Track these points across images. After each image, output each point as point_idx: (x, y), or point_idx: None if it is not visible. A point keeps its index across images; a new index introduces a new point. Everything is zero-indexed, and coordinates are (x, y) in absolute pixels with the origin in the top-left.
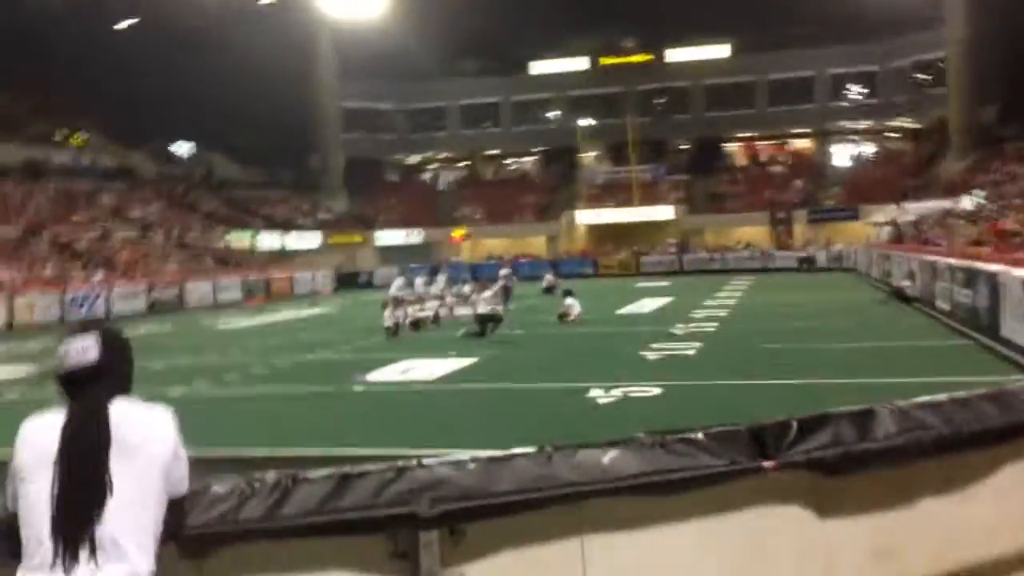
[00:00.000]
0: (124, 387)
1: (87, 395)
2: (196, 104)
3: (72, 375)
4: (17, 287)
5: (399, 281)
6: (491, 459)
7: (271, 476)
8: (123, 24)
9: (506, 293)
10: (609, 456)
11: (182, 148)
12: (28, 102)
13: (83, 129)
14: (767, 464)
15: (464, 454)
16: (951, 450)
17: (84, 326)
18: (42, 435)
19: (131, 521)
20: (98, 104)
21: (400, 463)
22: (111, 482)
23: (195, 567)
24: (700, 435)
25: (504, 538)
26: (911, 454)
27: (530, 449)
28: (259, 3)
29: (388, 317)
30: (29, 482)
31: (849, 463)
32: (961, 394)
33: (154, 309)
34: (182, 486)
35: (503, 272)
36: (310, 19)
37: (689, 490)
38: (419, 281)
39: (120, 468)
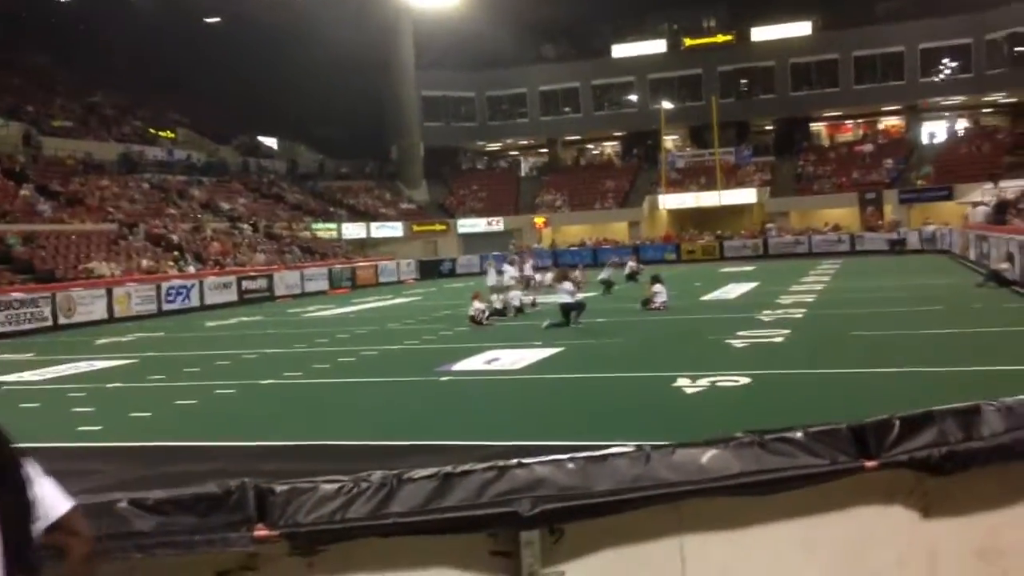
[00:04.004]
0: None
1: None
2: (281, 97)
3: None
4: (116, 280)
5: (492, 271)
6: (589, 458)
7: (377, 476)
8: (210, 20)
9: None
10: (708, 455)
11: (268, 141)
12: (122, 99)
13: (174, 125)
14: (869, 464)
15: (562, 453)
16: None
17: None
18: None
19: None
20: (188, 100)
21: (500, 463)
22: None
23: (304, 564)
24: (800, 434)
25: (603, 537)
26: (1018, 452)
27: (628, 448)
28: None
29: (474, 306)
30: None
31: (954, 462)
32: None
33: (245, 299)
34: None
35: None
36: (391, 9)
37: (789, 490)
38: (505, 270)
39: None
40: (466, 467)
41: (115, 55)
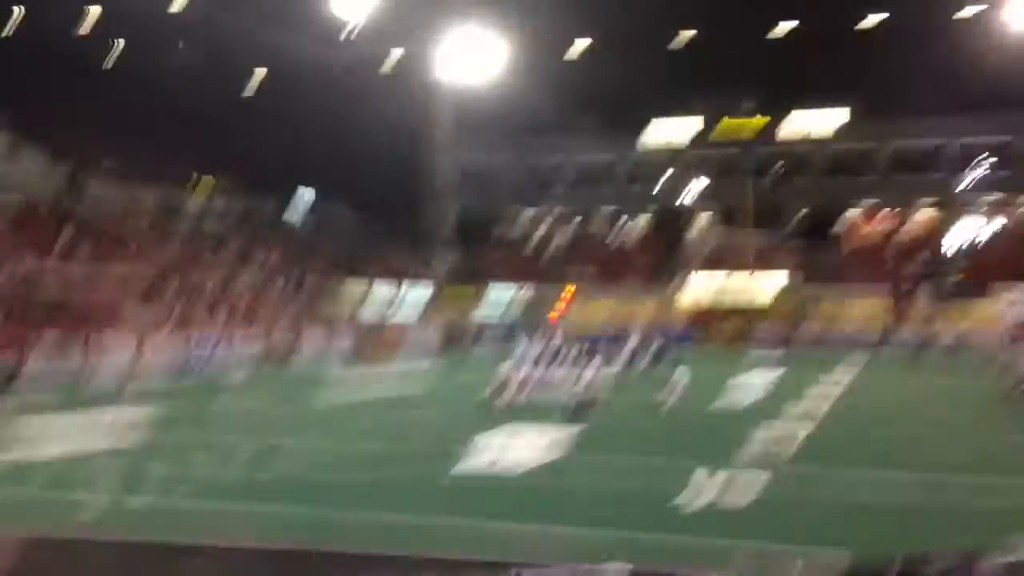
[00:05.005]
0: None
1: None
2: (318, 159)
3: None
4: (148, 330)
5: (517, 352)
6: None
7: None
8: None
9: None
10: None
11: (303, 198)
12: (163, 149)
13: (213, 177)
14: None
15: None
16: None
17: None
18: None
19: None
20: (228, 155)
21: None
22: None
23: None
24: None
25: None
26: None
27: None
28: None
29: (495, 392)
30: None
31: None
32: None
33: (270, 356)
34: None
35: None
36: (428, 83)
37: None
38: (529, 352)
39: None
40: None
41: (158, 105)
